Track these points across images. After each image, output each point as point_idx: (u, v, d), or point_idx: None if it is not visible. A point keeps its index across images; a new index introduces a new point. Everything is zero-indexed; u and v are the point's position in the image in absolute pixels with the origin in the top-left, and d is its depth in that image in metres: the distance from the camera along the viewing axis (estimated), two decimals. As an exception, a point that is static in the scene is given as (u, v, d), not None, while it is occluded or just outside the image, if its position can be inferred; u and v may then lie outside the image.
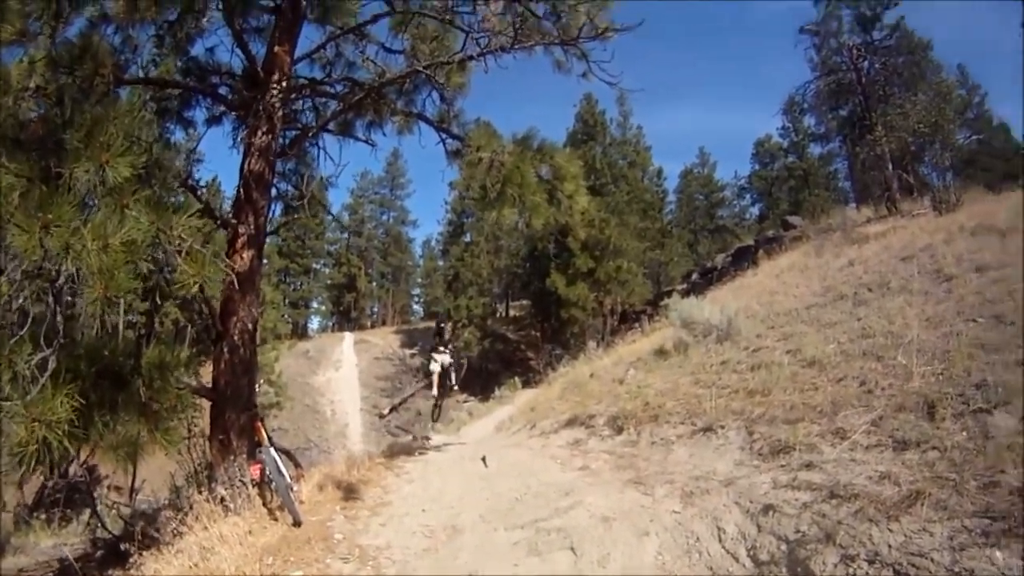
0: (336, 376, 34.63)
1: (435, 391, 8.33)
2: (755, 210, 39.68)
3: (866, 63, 20.49)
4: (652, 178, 36.84)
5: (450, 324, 9.21)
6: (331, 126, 6.18)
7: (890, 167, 17.20)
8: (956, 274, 6.56)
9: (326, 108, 6.32)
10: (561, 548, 3.80)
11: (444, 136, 6.01)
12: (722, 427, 4.88)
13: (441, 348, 8.41)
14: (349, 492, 5.07)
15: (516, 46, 5.51)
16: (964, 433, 3.52)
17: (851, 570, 2.88)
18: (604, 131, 32.76)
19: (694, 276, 24.69)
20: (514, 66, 5.46)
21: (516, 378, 20.58)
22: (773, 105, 58.62)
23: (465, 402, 24.15)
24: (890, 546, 2.89)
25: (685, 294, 13.94)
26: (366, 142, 6.44)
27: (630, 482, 4.52)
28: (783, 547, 3.19)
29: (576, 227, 23.24)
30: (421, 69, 5.79)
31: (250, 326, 4.98)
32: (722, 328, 7.48)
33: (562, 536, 3.88)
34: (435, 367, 8.29)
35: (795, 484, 3.61)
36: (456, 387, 8.42)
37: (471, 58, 5.78)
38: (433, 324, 12.30)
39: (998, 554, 2.59)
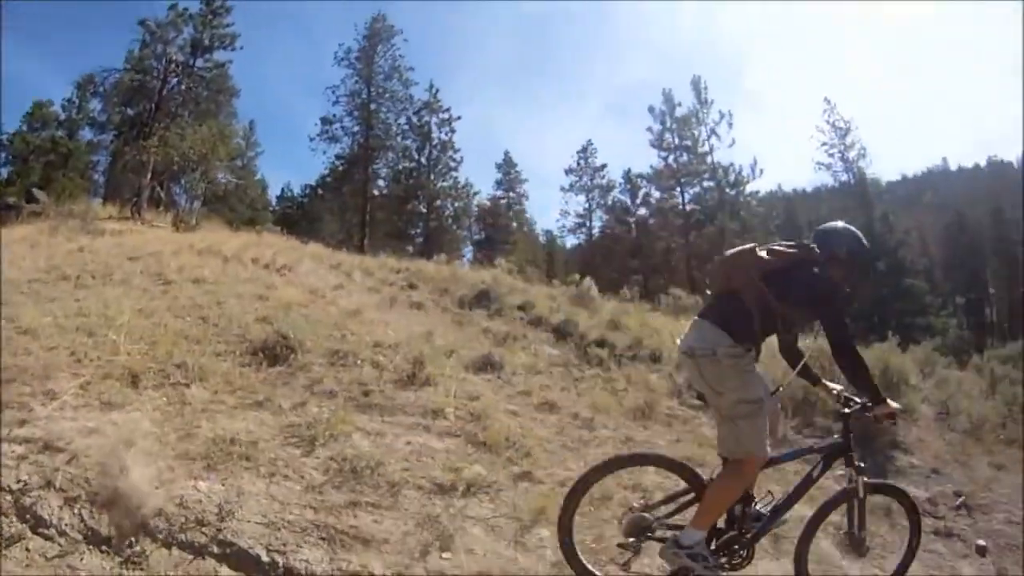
0: None
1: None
2: (3, 171, 37.51)
3: (176, 79, 24.95)
4: None
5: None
6: None
7: (148, 177, 20.26)
8: (175, 280, 9.11)
9: None
10: None
11: None
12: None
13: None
14: None
15: None
16: (165, 399, 5.15)
17: (75, 510, 3.72)
18: None
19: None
20: None
21: None
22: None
23: None
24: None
25: None
26: None
27: None
28: (8, 498, 3.81)
29: None
30: None
31: None
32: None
33: None
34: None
35: (11, 438, 4.31)
36: None
37: None
38: None
39: (202, 484, 4.04)
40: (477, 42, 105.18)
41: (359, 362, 6.67)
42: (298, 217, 39.22)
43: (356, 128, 40.36)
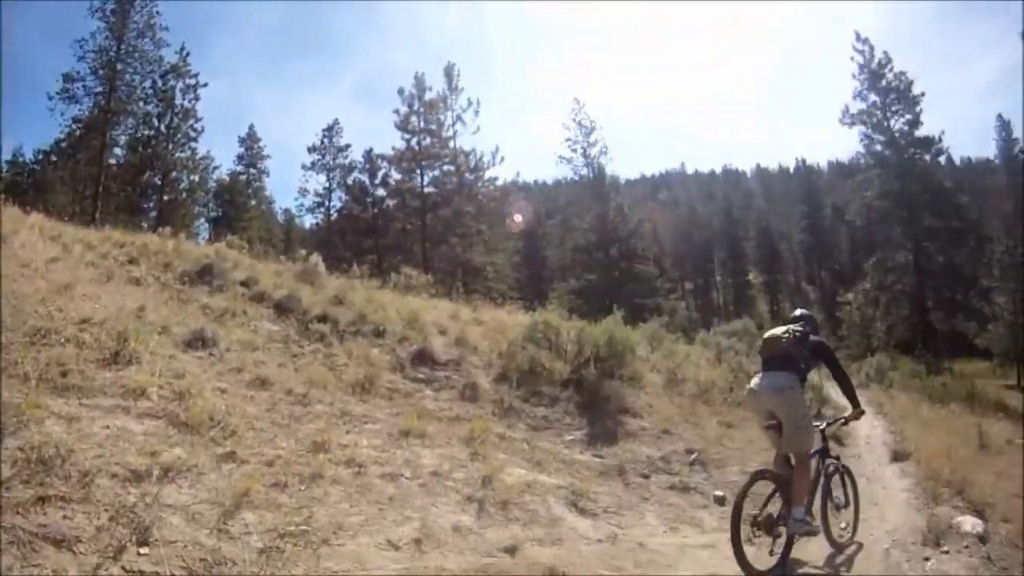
0: None
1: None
2: None
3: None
4: None
5: None
6: None
7: None
8: None
9: None
10: None
11: None
12: None
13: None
14: None
15: None
16: None
17: None
18: None
19: None
20: None
21: None
22: None
23: None
24: None
25: None
26: None
27: None
28: None
29: None
30: None
31: None
32: None
33: None
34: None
35: None
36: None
37: None
38: None
39: None
40: (239, 11, 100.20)
41: (62, 340, 6.24)
42: (28, 186, 35.29)
43: (99, 88, 37.48)
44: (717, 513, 6.90)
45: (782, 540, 5.26)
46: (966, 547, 5.70)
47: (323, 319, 9.84)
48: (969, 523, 6.14)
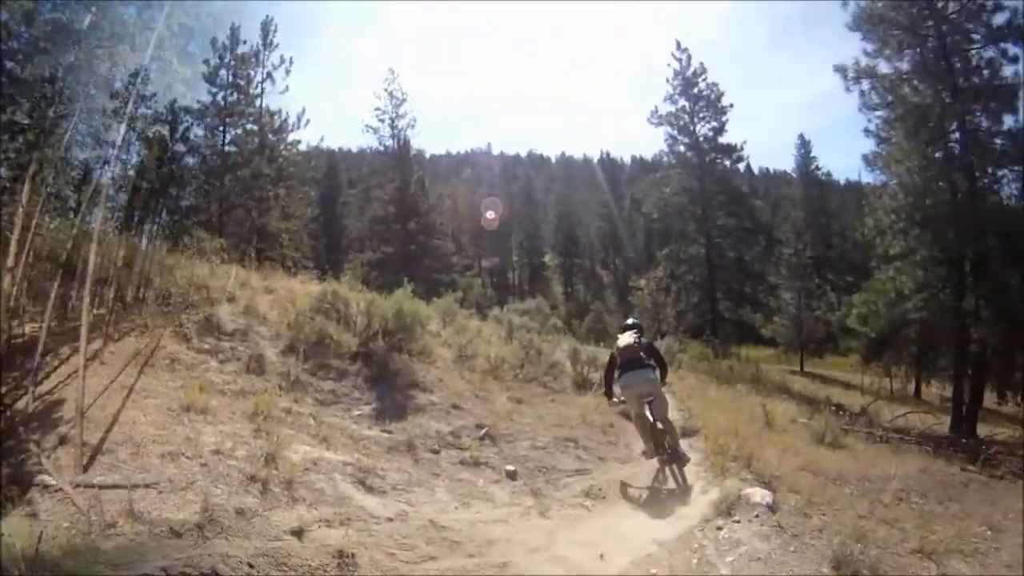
0: None
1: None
2: None
3: None
4: None
5: None
6: None
7: None
8: None
9: None
10: None
11: None
12: None
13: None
14: None
15: None
16: None
17: None
18: None
19: None
20: None
21: None
22: None
23: None
24: None
25: None
26: None
27: None
28: None
29: None
30: None
31: None
32: None
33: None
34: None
35: None
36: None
37: None
38: None
39: None
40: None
41: None
42: None
43: None
44: (509, 488, 7.17)
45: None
46: (756, 516, 6.25)
47: (104, 282, 9.16)
48: (758, 494, 6.76)
